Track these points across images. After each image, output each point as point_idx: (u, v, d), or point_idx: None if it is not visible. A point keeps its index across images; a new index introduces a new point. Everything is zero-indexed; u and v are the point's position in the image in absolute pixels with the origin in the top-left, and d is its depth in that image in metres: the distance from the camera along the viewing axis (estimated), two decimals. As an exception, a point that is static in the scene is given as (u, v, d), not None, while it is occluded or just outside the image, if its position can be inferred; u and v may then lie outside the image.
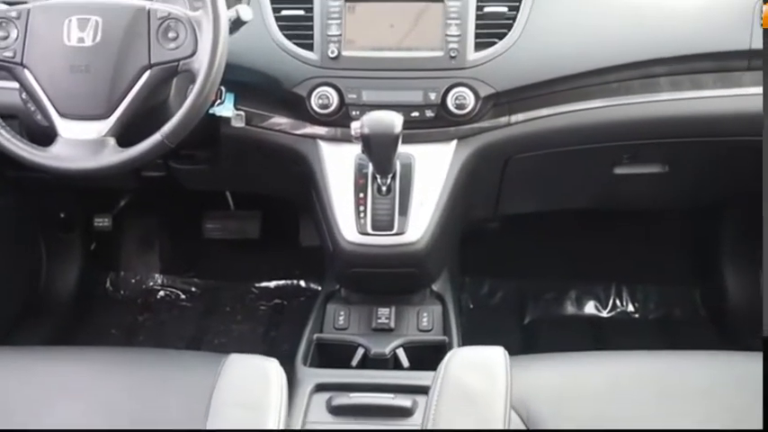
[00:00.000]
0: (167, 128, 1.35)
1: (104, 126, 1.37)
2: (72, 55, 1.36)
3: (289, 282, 2.52)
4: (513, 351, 1.20)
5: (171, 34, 1.37)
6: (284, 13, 1.61)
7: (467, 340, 1.64)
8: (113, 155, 1.37)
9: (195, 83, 1.35)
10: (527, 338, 2.31)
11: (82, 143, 1.37)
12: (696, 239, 2.40)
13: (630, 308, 2.41)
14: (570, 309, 2.42)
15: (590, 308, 2.42)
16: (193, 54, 1.36)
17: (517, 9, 1.59)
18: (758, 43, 1.59)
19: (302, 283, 2.52)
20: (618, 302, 2.42)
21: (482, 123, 1.63)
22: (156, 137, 1.35)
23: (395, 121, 1.43)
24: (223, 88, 1.58)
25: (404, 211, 1.55)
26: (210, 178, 1.89)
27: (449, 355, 1.18)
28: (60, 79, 1.37)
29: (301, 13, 1.60)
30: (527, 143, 1.68)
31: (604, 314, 2.41)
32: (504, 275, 2.46)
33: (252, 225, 2.42)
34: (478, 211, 1.96)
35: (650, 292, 2.42)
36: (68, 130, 1.37)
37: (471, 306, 2.40)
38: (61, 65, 1.37)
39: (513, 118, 1.64)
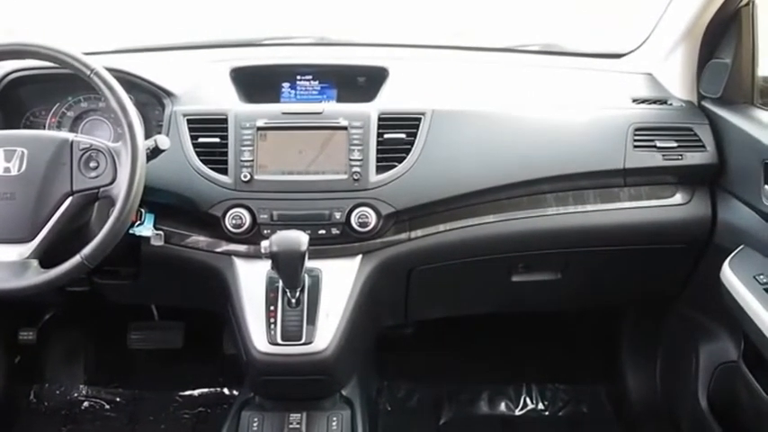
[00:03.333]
0: (87, 250, 1.44)
1: (27, 249, 1.46)
2: None
3: (212, 390, 2.57)
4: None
5: (92, 164, 1.50)
6: (201, 140, 1.75)
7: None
8: (35, 276, 1.45)
9: (114, 208, 1.46)
10: (442, 439, 2.40)
11: (6, 265, 1.45)
12: (599, 340, 2.56)
13: (540, 405, 2.53)
14: (484, 408, 2.52)
15: (502, 407, 2.53)
16: (113, 182, 1.49)
17: (414, 135, 1.77)
18: (631, 163, 1.80)
19: (225, 390, 2.57)
20: (528, 401, 2.54)
21: (384, 239, 1.77)
22: (76, 258, 1.44)
23: (301, 239, 1.55)
24: (143, 209, 1.70)
25: (311, 321, 1.66)
26: (133, 292, 1.97)
27: None
28: None
29: (217, 140, 1.74)
30: (427, 256, 1.83)
31: (516, 412, 2.52)
32: (420, 379, 2.56)
33: (175, 335, 2.48)
34: (388, 318, 2.08)
35: (559, 390, 2.55)
36: (-8, 252, 1.46)
37: (389, 408, 2.49)
38: None
39: (414, 233, 1.80)
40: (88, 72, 1.49)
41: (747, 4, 1.75)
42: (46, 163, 1.48)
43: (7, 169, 1.47)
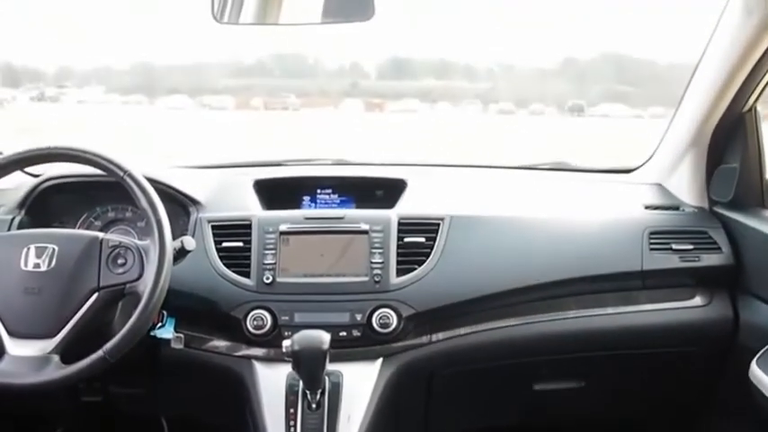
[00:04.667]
0: (110, 345, 1.44)
1: (50, 344, 1.46)
2: (27, 279, 1.49)
3: None
4: None
5: (120, 260, 1.53)
6: (225, 244, 1.79)
7: None
8: (56, 371, 1.44)
9: (139, 303, 1.48)
10: None
11: (27, 360, 1.45)
12: None
13: None
14: None
15: None
16: (139, 277, 1.51)
17: (434, 239, 1.80)
18: (649, 265, 1.82)
19: None
20: None
21: (405, 342, 1.77)
22: (98, 353, 1.44)
23: (323, 337, 1.56)
24: (165, 312, 1.71)
25: (332, 426, 1.62)
26: (148, 402, 1.95)
27: None
28: (13, 301, 1.49)
29: (240, 244, 1.79)
30: (449, 360, 1.82)
31: None
32: None
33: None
34: (409, 430, 2.03)
35: None
36: (16, 347, 1.46)
37: None
38: (16, 288, 1.49)
39: (434, 336, 1.79)
40: (121, 173, 1.55)
41: (750, 110, 1.84)
42: (75, 259, 1.52)
43: (37, 265, 1.50)
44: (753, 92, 1.80)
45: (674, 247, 1.85)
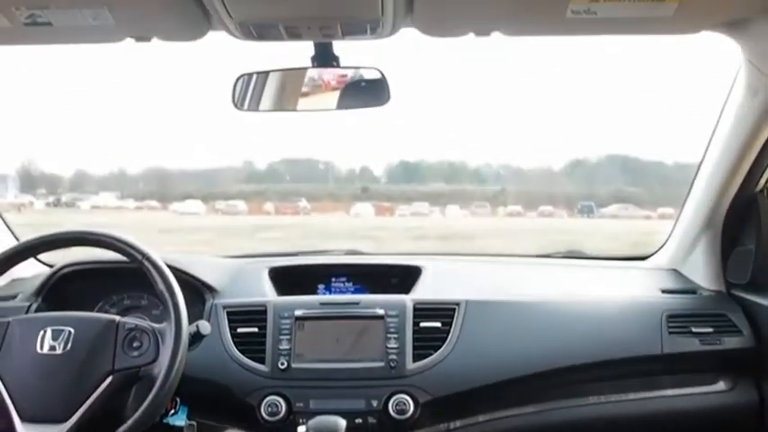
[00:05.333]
0: (123, 428, 1.41)
1: (62, 429, 1.43)
2: (42, 362, 1.48)
3: None
4: None
5: (135, 343, 1.52)
6: (240, 330, 1.78)
7: None
8: None
9: (154, 386, 1.46)
10: None
11: None
12: None
13: None
14: None
15: None
16: (155, 360, 1.50)
17: (450, 324, 1.79)
18: (669, 348, 1.80)
19: None
20: None
21: (422, 430, 1.73)
22: None
23: (338, 425, 1.53)
24: (178, 399, 1.68)
25: None
26: None
27: None
28: (27, 385, 1.47)
29: (255, 330, 1.78)
30: None
31: None
32: None
33: None
34: None
35: None
36: (26, 433, 1.43)
37: None
38: (30, 371, 1.48)
39: (452, 424, 1.75)
40: (140, 257, 1.56)
41: (762, 190, 1.85)
42: (90, 342, 1.51)
43: (53, 348, 1.50)
44: (764, 172, 1.81)
45: (693, 330, 1.82)
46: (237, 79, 1.63)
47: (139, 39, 1.41)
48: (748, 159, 1.76)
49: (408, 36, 1.47)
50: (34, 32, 1.34)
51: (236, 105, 1.63)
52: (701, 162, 1.93)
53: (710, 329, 1.82)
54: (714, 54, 1.71)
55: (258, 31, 1.38)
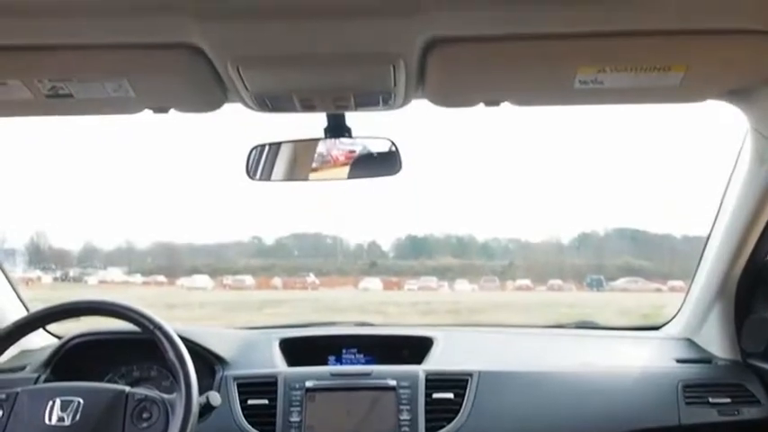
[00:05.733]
0: None
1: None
2: None
3: None
4: None
5: (145, 414, 1.50)
6: (250, 402, 1.76)
7: None
8: None
9: None
10: None
11: None
12: None
13: None
14: None
15: None
16: None
17: (463, 395, 1.77)
18: (687, 419, 1.76)
19: None
20: None
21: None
22: None
23: None
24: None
25: None
26: None
27: None
28: None
29: (265, 402, 1.76)
30: None
31: None
32: None
33: None
34: None
35: None
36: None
37: None
38: None
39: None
40: (152, 326, 1.56)
41: (773, 257, 1.84)
42: (99, 413, 1.49)
43: (61, 419, 1.48)
44: (774, 239, 1.80)
45: (710, 400, 1.79)
46: (251, 150, 1.66)
47: (157, 110, 1.44)
48: (758, 227, 1.76)
49: (418, 106, 1.50)
50: (55, 104, 1.38)
51: (249, 175, 1.66)
52: (711, 230, 1.93)
53: (728, 399, 1.79)
54: (721, 122, 1.73)
55: (273, 102, 1.41)
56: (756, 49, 1.20)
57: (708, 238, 1.96)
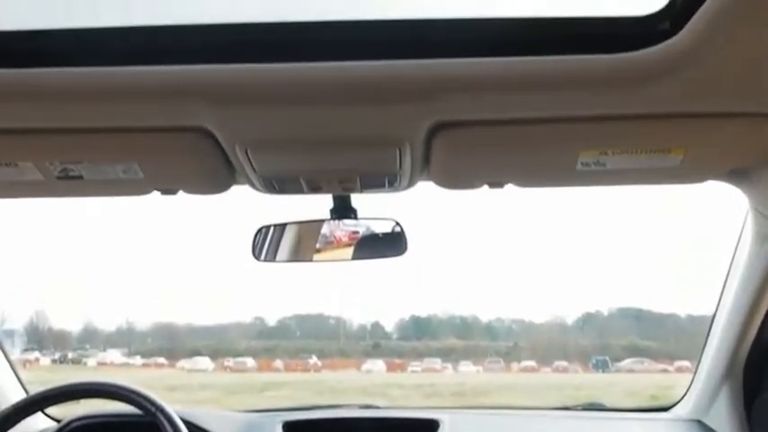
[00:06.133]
0: None
1: None
2: None
3: None
4: None
5: None
6: None
7: None
8: None
9: None
10: None
11: None
12: None
13: None
14: None
15: None
16: None
17: None
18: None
19: None
20: None
21: None
22: None
23: None
24: None
25: None
26: None
27: None
28: None
29: None
30: None
31: None
32: None
33: None
34: None
35: None
36: None
37: None
38: None
39: None
40: (154, 409, 1.54)
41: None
42: None
43: None
44: (779, 317, 1.79)
45: None
46: (257, 232, 1.68)
47: (165, 192, 1.46)
48: (763, 305, 1.75)
49: (423, 187, 1.52)
50: (64, 185, 1.40)
51: (255, 256, 1.67)
52: (716, 309, 1.93)
53: None
54: (724, 201, 1.75)
55: (280, 184, 1.44)
56: (754, 130, 1.22)
57: (713, 318, 1.95)
